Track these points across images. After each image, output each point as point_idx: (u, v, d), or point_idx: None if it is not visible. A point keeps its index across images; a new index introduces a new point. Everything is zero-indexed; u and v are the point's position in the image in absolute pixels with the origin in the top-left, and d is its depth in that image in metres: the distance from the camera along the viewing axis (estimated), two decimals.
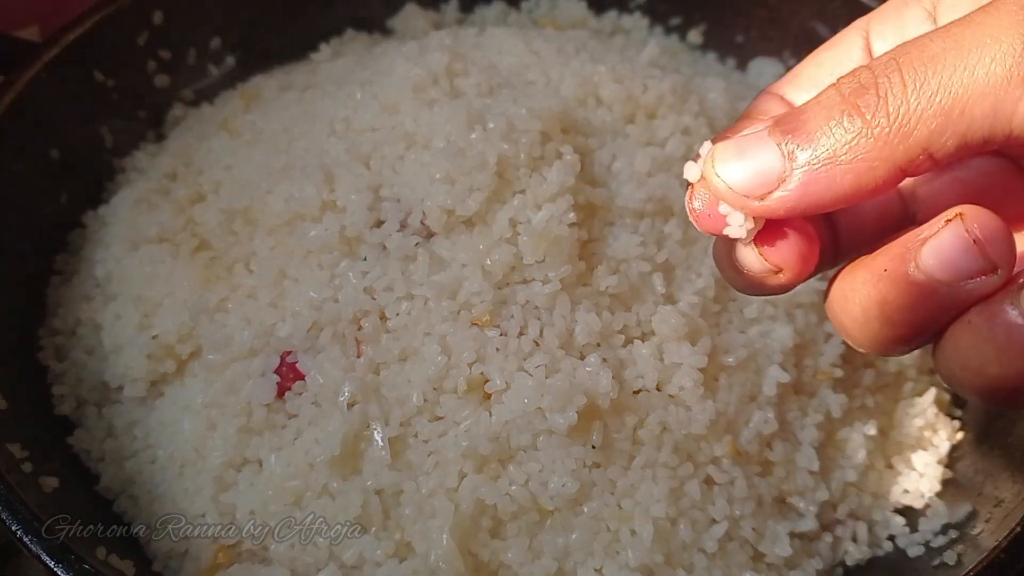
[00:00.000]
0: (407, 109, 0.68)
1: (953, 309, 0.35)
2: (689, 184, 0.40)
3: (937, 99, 0.33)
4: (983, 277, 0.34)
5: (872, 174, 0.35)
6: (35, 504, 0.57)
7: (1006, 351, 0.33)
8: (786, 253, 0.38)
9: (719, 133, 0.41)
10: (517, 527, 0.60)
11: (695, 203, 0.39)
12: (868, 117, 0.34)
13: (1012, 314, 0.33)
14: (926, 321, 0.36)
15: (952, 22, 0.35)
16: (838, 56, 0.43)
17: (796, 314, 0.68)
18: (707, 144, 0.39)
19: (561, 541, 0.59)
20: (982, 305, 0.34)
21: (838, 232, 0.42)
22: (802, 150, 0.35)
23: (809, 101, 0.36)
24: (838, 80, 0.36)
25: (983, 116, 0.33)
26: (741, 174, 0.36)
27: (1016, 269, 0.35)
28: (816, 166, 0.35)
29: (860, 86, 0.35)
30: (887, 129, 0.34)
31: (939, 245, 0.34)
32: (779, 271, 0.39)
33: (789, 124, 0.36)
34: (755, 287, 0.40)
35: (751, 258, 0.39)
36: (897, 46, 0.35)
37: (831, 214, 0.42)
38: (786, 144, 0.35)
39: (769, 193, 0.36)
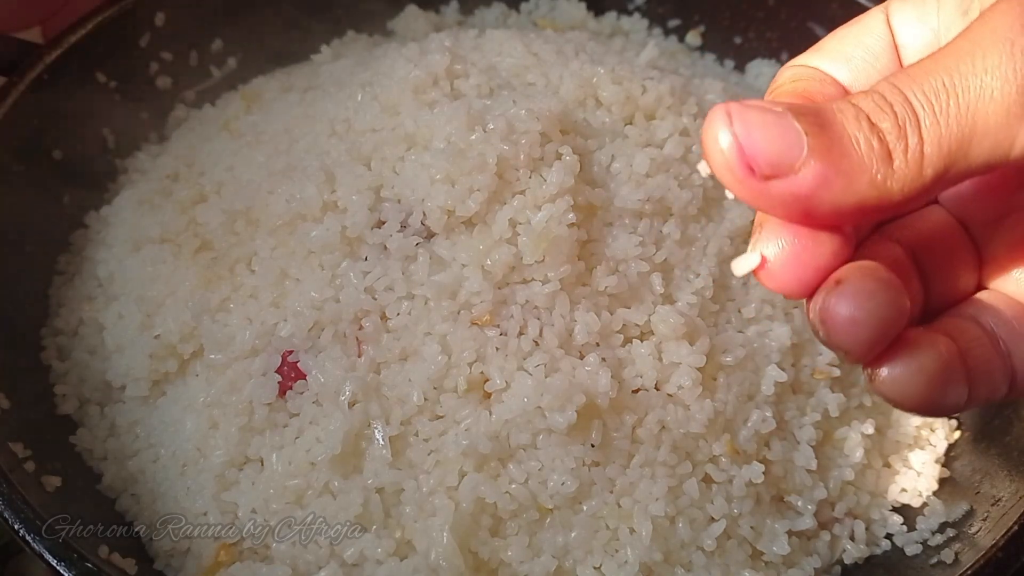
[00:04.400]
0: (407, 110, 0.69)
1: None
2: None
3: (945, 144, 0.33)
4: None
5: (878, 202, 0.34)
6: (37, 503, 0.58)
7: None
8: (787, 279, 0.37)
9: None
10: (517, 525, 0.60)
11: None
12: (891, 144, 0.34)
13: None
14: None
15: (946, 48, 0.35)
16: (861, 31, 0.42)
17: (794, 314, 0.69)
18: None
19: (560, 539, 0.60)
20: None
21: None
22: (825, 147, 0.33)
23: (826, 105, 0.35)
24: (856, 95, 0.35)
25: (985, 152, 0.34)
26: (760, 144, 0.33)
27: None
28: (836, 170, 0.33)
29: (878, 108, 0.34)
30: (903, 164, 0.34)
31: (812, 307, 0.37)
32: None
33: (815, 117, 0.34)
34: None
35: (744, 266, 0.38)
36: (901, 74, 0.35)
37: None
38: (811, 135, 0.33)
39: (778, 177, 0.34)
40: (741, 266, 0.38)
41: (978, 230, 0.43)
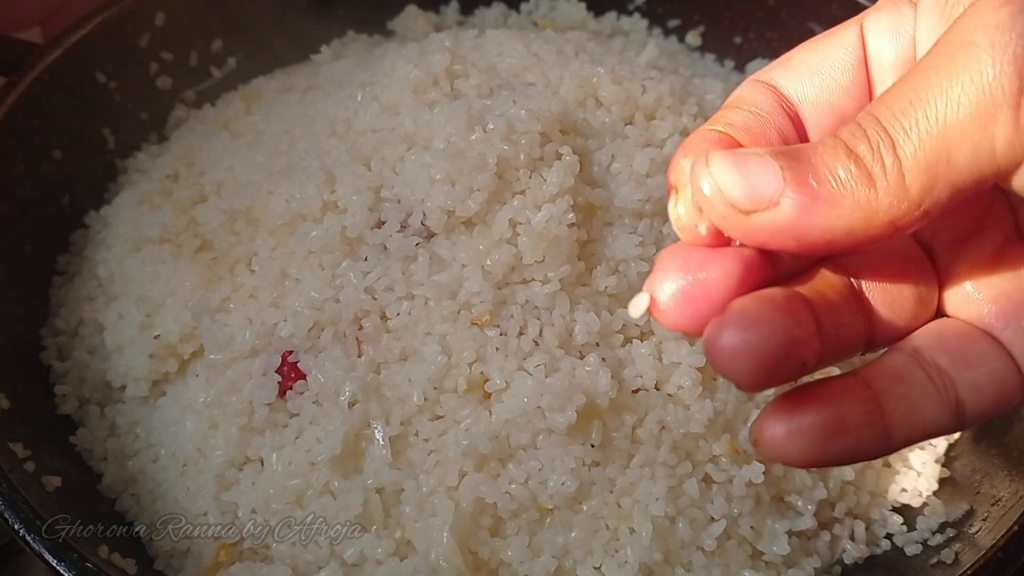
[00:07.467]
0: (407, 110, 0.69)
1: None
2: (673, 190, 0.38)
3: (922, 156, 0.33)
4: None
5: (866, 226, 0.33)
6: (37, 503, 0.58)
7: None
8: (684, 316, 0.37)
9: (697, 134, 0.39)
10: (517, 525, 0.60)
11: (679, 209, 0.37)
12: (868, 165, 0.33)
13: None
14: None
15: (914, 67, 0.34)
16: (831, 45, 0.42)
17: None
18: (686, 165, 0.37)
19: (560, 539, 0.60)
20: None
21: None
22: (802, 177, 0.33)
23: (810, 143, 0.35)
24: (840, 130, 0.35)
25: (967, 159, 0.33)
26: (735, 183, 0.34)
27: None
28: (815, 197, 0.33)
29: (853, 136, 0.34)
30: (885, 183, 0.33)
31: None
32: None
33: (792, 154, 0.34)
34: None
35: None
36: (876, 101, 0.35)
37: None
38: (787, 168, 0.34)
39: (758, 211, 0.34)
40: (635, 307, 0.38)
41: (942, 253, 0.41)
